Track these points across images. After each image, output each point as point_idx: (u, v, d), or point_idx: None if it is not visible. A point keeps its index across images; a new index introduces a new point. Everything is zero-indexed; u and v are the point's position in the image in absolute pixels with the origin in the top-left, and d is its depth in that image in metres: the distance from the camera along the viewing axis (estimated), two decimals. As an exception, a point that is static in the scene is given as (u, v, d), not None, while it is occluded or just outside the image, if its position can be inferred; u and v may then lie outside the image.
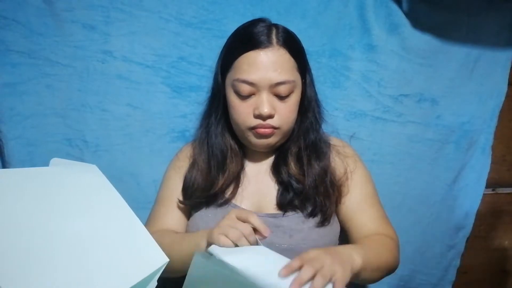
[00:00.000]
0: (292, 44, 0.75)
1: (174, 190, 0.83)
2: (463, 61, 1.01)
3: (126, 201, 0.86)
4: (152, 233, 0.75)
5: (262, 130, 0.74)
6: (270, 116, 0.73)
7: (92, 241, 0.59)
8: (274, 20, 0.79)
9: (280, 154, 0.81)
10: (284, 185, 0.79)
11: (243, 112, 0.74)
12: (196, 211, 0.80)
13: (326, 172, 0.79)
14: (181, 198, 0.82)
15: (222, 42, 0.81)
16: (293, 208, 0.77)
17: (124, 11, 0.89)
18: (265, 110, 0.72)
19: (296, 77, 0.75)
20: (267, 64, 0.71)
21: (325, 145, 0.82)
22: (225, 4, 0.91)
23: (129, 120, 0.93)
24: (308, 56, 0.80)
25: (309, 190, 0.77)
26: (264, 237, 0.62)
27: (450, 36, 0.98)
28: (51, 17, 0.86)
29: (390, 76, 0.99)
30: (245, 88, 0.72)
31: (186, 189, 0.81)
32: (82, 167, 0.71)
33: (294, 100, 0.75)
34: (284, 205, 0.77)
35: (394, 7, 0.95)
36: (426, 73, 1.00)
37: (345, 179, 0.81)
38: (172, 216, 0.82)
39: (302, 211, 0.76)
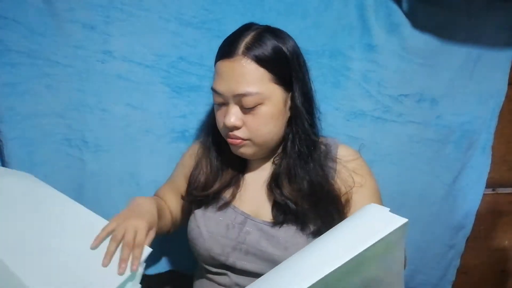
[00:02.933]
0: (263, 55, 0.69)
1: (181, 174, 0.88)
2: (463, 61, 1.00)
3: (126, 201, 0.86)
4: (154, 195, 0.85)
5: (230, 140, 0.74)
6: (236, 127, 0.72)
7: (69, 253, 0.58)
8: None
9: (273, 172, 0.78)
10: (279, 204, 0.75)
11: (219, 121, 0.75)
12: (196, 208, 0.81)
13: (323, 188, 0.74)
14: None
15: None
16: (289, 222, 0.74)
17: (124, 11, 0.88)
18: (227, 121, 0.71)
19: (265, 89, 0.70)
20: (229, 75, 0.70)
21: (323, 157, 0.77)
22: (225, 4, 0.91)
23: (129, 120, 0.93)
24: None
25: (309, 210, 0.73)
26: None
27: (450, 36, 0.98)
28: (51, 17, 0.86)
29: (390, 76, 0.99)
30: (216, 98, 0.73)
31: (189, 185, 0.83)
32: (17, 176, 0.70)
33: (263, 112, 0.71)
34: (278, 222, 0.74)
35: (394, 7, 0.95)
36: (426, 73, 1.00)
37: (349, 195, 0.76)
38: (170, 195, 0.88)
39: (297, 226, 0.73)
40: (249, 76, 0.69)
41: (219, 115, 0.75)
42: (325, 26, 0.95)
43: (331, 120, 0.96)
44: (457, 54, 0.99)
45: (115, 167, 0.94)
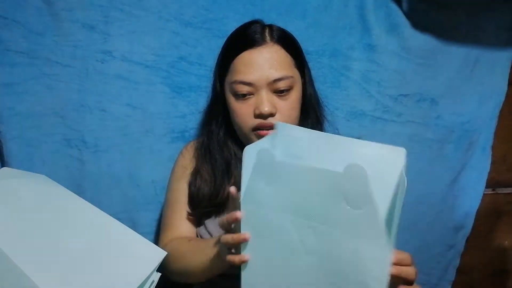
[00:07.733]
0: (287, 41, 0.74)
1: (183, 193, 0.80)
2: (463, 61, 1.01)
3: (125, 202, 0.85)
4: (168, 242, 0.75)
5: (265, 132, 0.72)
6: (271, 115, 0.72)
7: (84, 255, 0.58)
8: (274, 20, 0.79)
9: None
10: None
11: (243, 114, 0.73)
12: (207, 219, 0.78)
13: None
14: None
15: (222, 42, 0.81)
16: None
17: (124, 11, 0.88)
18: (266, 108, 0.70)
19: (294, 73, 0.74)
20: (262, 62, 0.70)
21: None
22: (225, 4, 0.91)
23: (129, 120, 0.93)
24: (308, 56, 0.80)
25: None
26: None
27: (450, 36, 0.98)
28: (51, 17, 0.86)
29: (390, 76, 0.99)
30: (243, 89, 0.72)
31: (192, 199, 0.79)
32: (33, 178, 0.69)
33: (294, 97, 0.74)
34: None
35: (394, 7, 0.95)
36: (425, 73, 1.00)
37: None
38: (185, 222, 0.80)
39: None
40: (282, 61, 0.72)
41: (245, 108, 0.73)
42: (325, 26, 0.95)
43: (331, 120, 0.96)
44: (457, 54, 1.00)
45: (114, 167, 0.94)
